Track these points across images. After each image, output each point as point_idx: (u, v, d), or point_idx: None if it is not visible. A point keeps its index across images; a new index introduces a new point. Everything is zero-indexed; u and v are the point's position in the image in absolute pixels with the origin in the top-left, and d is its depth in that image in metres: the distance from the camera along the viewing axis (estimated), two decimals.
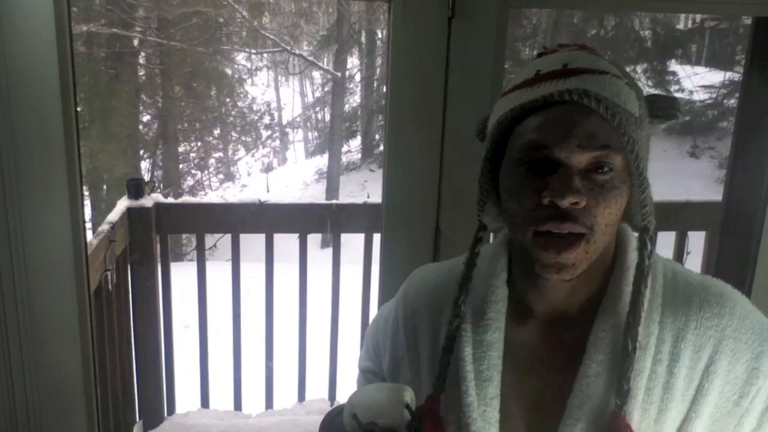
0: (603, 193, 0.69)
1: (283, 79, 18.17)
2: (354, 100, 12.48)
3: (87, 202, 9.11)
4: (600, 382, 0.72)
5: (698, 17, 9.90)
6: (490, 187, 0.79)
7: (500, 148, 0.76)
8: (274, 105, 15.70)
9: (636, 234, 0.78)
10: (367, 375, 1.00)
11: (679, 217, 2.47)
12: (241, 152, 13.43)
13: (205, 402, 2.73)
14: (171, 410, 2.67)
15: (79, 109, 1.36)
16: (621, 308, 0.74)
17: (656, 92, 0.77)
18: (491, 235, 1.20)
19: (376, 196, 2.12)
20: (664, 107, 0.76)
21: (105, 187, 9.53)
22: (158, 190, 9.46)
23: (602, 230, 0.70)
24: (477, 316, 0.80)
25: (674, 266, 0.80)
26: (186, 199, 3.51)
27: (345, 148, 12.35)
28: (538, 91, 0.70)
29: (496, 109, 0.78)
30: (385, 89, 1.74)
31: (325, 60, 12.52)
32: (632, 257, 0.77)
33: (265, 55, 12.13)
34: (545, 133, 0.69)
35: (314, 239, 7.89)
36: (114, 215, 2.33)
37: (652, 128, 0.77)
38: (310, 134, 16.81)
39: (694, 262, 2.26)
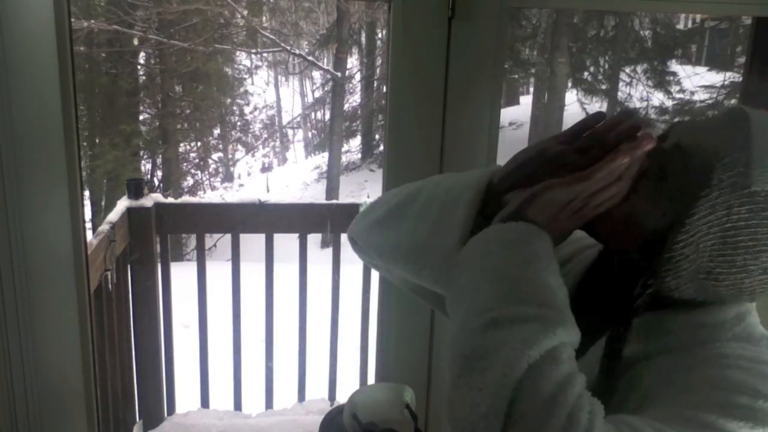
0: None
1: (283, 79, 18.15)
2: (354, 100, 12.46)
3: (87, 202, 9.10)
4: None
5: (698, 17, 9.89)
6: None
7: None
8: (274, 105, 15.69)
9: None
10: None
11: None
12: (241, 152, 13.41)
13: (205, 402, 2.73)
14: (171, 410, 2.67)
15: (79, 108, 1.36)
16: None
17: None
18: None
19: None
20: None
21: (105, 187, 9.53)
22: (158, 190, 9.46)
23: None
24: None
25: None
26: (186, 199, 3.51)
27: (345, 148, 12.33)
28: None
29: None
30: (385, 89, 1.74)
31: (325, 60, 12.51)
32: None
33: (265, 54, 12.12)
34: None
35: (314, 239, 7.89)
36: (114, 215, 2.33)
37: None
38: (310, 134, 16.80)
39: None
